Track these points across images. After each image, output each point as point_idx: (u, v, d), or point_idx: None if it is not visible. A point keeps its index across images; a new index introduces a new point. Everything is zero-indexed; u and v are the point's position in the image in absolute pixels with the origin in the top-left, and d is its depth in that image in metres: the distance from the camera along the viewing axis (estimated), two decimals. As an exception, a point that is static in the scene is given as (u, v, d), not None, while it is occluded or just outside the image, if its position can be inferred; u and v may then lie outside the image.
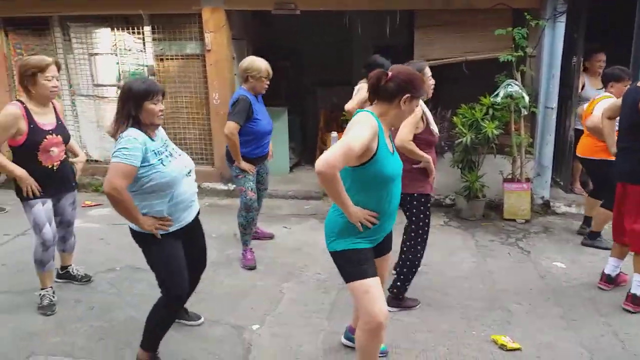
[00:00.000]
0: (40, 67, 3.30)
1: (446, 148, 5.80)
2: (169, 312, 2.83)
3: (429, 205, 3.54)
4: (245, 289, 3.92)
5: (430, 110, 5.93)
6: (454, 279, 4.09)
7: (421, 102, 3.41)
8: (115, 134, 2.67)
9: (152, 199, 2.69)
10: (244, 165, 4.16)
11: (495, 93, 5.30)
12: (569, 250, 4.66)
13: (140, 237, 2.76)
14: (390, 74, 2.39)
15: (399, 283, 3.56)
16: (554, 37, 5.47)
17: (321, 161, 2.18)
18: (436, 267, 4.28)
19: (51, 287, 3.64)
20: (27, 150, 3.34)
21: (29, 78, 3.31)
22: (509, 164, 5.59)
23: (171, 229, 2.75)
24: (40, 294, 3.58)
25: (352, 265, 2.45)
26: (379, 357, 2.78)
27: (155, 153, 2.66)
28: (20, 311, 3.55)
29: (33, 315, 3.49)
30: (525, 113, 5.40)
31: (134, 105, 2.62)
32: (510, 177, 5.53)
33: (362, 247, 2.46)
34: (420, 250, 3.55)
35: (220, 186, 6.42)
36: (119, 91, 2.85)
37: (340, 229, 2.46)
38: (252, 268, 4.27)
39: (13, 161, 3.38)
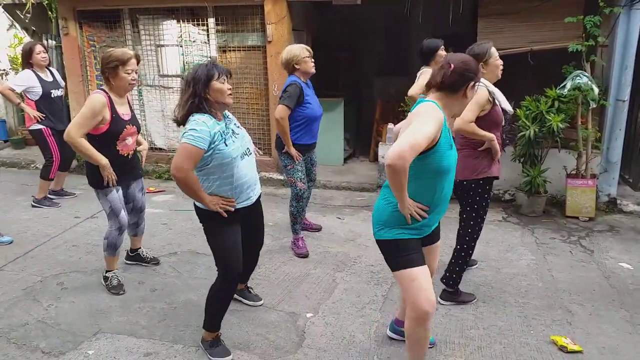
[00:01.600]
0: (122, 60, 3.44)
1: (507, 141, 5.62)
2: (225, 290, 2.94)
3: (490, 191, 3.47)
4: (300, 276, 3.99)
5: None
6: (511, 276, 3.98)
7: (488, 83, 3.34)
8: (181, 117, 2.74)
9: (215, 180, 2.78)
10: (293, 151, 4.21)
11: (562, 85, 5.07)
12: (636, 251, 4.42)
13: (205, 215, 2.86)
14: (452, 65, 2.36)
15: (448, 274, 3.54)
16: (630, 25, 5.15)
17: (393, 153, 2.17)
18: (493, 264, 4.19)
19: (117, 269, 3.85)
20: (107, 138, 3.49)
21: (110, 70, 3.45)
22: (573, 159, 5.35)
23: (237, 206, 2.84)
24: (108, 276, 3.79)
25: (398, 254, 2.46)
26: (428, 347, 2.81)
27: (221, 134, 2.73)
28: (90, 290, 3.78)
29: (101, 295, 3.71)
30: (594, 106, 5.14)
31: (202, 85, 2.69)
32: (574, 172, 5.30)
33: (410, 237, 2.45)
34: (475, 239, 3.50)
35: (277, 176, 6.53)
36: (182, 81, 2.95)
37: (388, 218, 2.46)
38: (305, 256, 4.34)
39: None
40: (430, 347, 3.00)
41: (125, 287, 3.78)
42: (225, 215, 2.79)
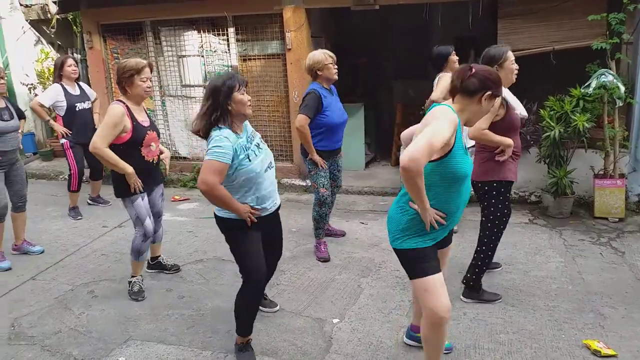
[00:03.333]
0: (136, 69, 3.55)
1: (532, 142, 5.55)
2: (251, 296, 2.98)
3: (508, 195, 3.46)
4: (325, 282, 3.99)
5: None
6: (540, 279, 3.92)
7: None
8: (203, 130, 2.78)
9: (241, 192, 2.83)
10: (317, 157, 4.23)
11: (587, 84, 4.99)
12: (670, 252, 4.32)
13: (227, 225, 2.90)
14: (473, 69, 2.36)
15: (468, 275, 3.57)
16: (655, 21, 5.06)
17: (406, 157, 2.14)
18: (520, 267, 4.13)
19: (141, 275, 3.92)
20: (131, 146, 3.60)
21: (126, 79, 3.57)
22: (600, 159, 5.25)
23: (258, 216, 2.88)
24: (131, 281, 3.86)
25: (415, 263, 2.47)
26: (444, 353, 2.88)
27: (243, 149, 2.77)
28: (119, 298, 3.84)
29: (130, 302, 3.77)
30: (620, 104, 5.04)
31: (223, 97, 2.72)
32: (602, 172, 5.20)
33: (425, 245, 2.46)
34: (494, 242, 3.50)
35: (299, 182, 6.55)
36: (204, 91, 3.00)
37: (404, 226, 2.46)
38: (326, 260, 4.36)
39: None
40: (448, 353, 2.99)
41: (151, 294, 3.84)
42: (249, 224, 2.83)
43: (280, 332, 3.32)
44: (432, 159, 2.30)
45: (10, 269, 4.37)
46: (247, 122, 2.96)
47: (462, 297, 3.57)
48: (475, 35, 6.27)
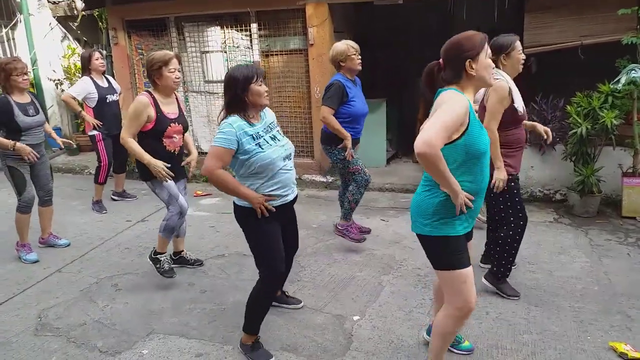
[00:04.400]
0: (164, 61, 3.65)
1: (557, 139, 5.45)
2: (267, 291, 2.97)
3: (517, 190, 3.48)
4: (345, 279, 3.98)
5: (541, 98, 5.62)
6: (564, 279, 3.85)
7: (508, 77, 3.31)
8: (221, 120, 2.86)
9: (258, 180, 2.83)
10: (347, 135, 4.18)
11: (616, 79, 4.86)
12: (702, 253, 4.19)
13: (244, 215, 2.89)
14: (441, 62, 2.35)
15: (494, 270, 3.64)
16: (689, 15, 4.89)
17: (420, 142, 2.08)
18: (544, 266, 4.06)
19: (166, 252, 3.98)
20: (154, 135, 3.71)
21: (155, 71, 3.67)
22: (629, 157, 5.12)
23: (274, 203, 2.86)
24: (161, 259, 3.88)
25: (450, 253, 2.38)
26: (466, 353, 2.96)
27: (253, 137, 2.78)
28: (142, 292, 3.90)
29: (153, 296, 3.82)
30: (651, 101, 4.91)
31: (240, 88, 2.76)
32: (630, 171, 5.07)
33: (459, 234, 2.38)
34: (516, 239, 3.51)
35: (320, 178, 6.55)
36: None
37: (436, 210, 2.35)
38: (363, 240, 4.44)
39: (139, 144, 3.71)
40: (469, 354, 2.97)
41: (173, 289, 3.88)
42: (267, 214, 2.81)
43: (300, 328, 3.32)
44: (449, 141, 2.22)
45: (37, 261, 4.47)
46: (267, 113, 2.98)
47: (484, 279, 3.65)
48: (501, 29, 6.15)
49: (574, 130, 4.97)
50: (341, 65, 4.21)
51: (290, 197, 2.98)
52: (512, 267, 3.91)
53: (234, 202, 2.94)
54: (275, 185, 2.86)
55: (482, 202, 2.52)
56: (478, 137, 2.28)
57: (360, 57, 4.26)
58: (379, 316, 3.43)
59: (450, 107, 2.19)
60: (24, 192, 4.40)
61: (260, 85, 2.82)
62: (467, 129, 2.24)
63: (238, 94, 2.77)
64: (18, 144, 4.20)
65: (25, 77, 4.33)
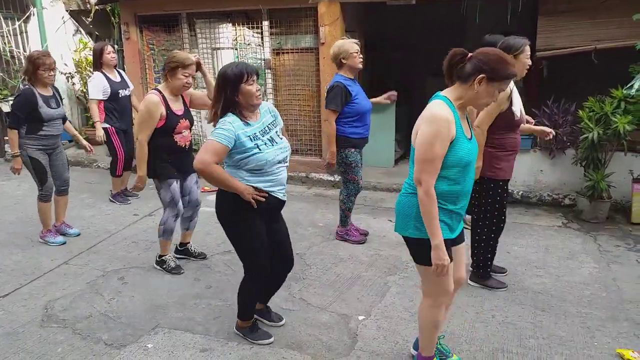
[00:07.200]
0: (183, 64, 3.72)
1: (568, 144, 5.41)
2: (253, 283, 3.02)
3: (505, 194, 3.55)
4: (351, 278, 3.97)
5: (552, 102, 5.58)
6: (572, 284, 3.82)
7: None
8: (212, 119, 2.85)
9: (251, 176, 2.84)
10: (334, 150, 4.31)
11: (630, 84, 4.82)
12: None
13: (227, 212, 2.91)
14: (470, 54, 2.33)
15: (476, 269, 3.73)
16: (703, 21, 4.84)
17: (422, 191, 2.31)
18: (552, 271, 4.03)
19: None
20: (165, 132, 3.80)
21: (170, 69, 3.75)
22: (640, 163, 5.09)
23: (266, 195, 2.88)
24: (165, 259, 4.08)
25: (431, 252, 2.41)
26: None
27: (250, 138, 2.79)
28: (148, 285, 3.91)
29: (158, 290, 3.83)
30: (664, 107, 4.86)
31: (231, 89, 2.76)
32: (642, 177, 5.03)
33: (447, 237, 2.42)
34: (492, 238, 3.60)
35: (327, 177, 6.54)
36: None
37: (418, 212, 2.37)
38: (364, 241, 4.55)
39: (150, 141, 3.77)
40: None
41: (180, 285, 3.90)
42: (255, 206, 2.81)
43: (305, 326, 3.32)
44: None
45: (65, 243, 4.68)
46: (266, 113, 2.96)
47: (469, 280, 3.71)
48: (513, 32, 6.11)
49: (585, 135, 4.93)
50: (342, 63, 4.23)
51: (280, 196, 2.96)
52: (503, 274, 3.91)
53: (217, 198, 2.94)
54: (265, 182, 2.86)
55: (465, 210, 2.57)
56: (464, 149, 2.34)
57: (361, 56, 4.28)
58: (384, 316, 3.42)
59: (429, 141, 2.30)
60: (46, 182, 4.56)
61: (252, 84, 2.78)
62: (452, 142, 2.30)
63: (228, 95, 2.76)
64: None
65: (52, 72, 4.44)
